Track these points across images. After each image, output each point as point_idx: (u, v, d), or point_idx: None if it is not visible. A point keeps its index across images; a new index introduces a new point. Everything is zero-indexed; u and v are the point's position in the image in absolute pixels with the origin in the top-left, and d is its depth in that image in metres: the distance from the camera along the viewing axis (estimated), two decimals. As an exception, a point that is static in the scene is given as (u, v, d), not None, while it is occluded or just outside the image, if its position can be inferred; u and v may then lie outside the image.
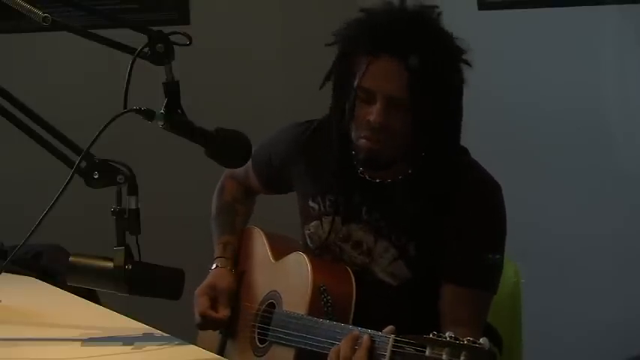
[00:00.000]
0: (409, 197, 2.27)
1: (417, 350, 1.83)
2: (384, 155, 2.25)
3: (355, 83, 2.22)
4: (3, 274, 2.27)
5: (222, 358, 2.25)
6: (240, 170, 2.64)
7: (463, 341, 1.78)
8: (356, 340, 2.00)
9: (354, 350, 1.99)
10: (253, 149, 2.20)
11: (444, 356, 1.77)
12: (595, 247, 3.43)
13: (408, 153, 2.27)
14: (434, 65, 2.18)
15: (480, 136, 3.66)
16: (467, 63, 2.24)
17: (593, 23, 3.43)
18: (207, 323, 2.48)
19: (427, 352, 1.80)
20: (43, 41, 3.90)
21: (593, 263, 3.44)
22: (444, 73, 2.20)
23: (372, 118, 2.20)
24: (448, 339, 1.79)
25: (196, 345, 2.25)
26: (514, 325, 2.53)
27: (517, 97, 3.67)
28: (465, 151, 2.34)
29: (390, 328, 1.96)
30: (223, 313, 2.47)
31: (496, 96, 3.73)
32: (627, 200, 3.36)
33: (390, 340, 1.91)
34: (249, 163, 2.58)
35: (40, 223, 2.05)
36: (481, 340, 1.77)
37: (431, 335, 1.81)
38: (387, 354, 1.91)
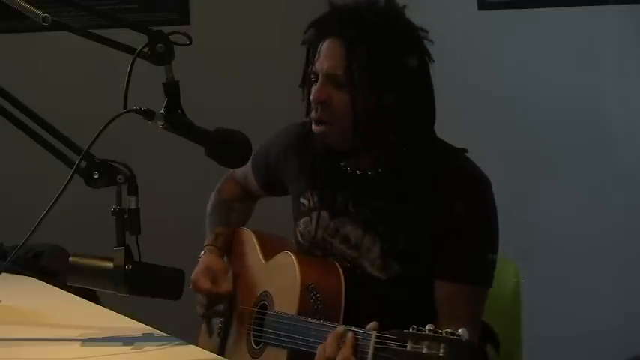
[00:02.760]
0: (394, 190, 2.26)
1: (398, 345, 1.84)
2: (332, 137, 2.26)
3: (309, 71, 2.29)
4: (3, 274, 2.28)
5: (222, 358, 2.25)
6: (239, 172, 2.67)
7: (442, 333, 1.79)
8: (341, 337, 2.00)
9: (339, 347, 1.99)
10: (253, 149, 2.21)
11: (424, 350, 1.79)
12: (595, 247, 3.42)
13: (376, 143, 2.26)
14: (373, 44, 2.20)
15: (480, 136, 3.68)
16: (423, 53, 2.26)
17: (593, 23, 3.43)
18: (212, 301, 2.47)
19: (408, 347, 1.82)
20: (43, 41, 3.90)
21: (593, 263, 3.44)
22: (385, 53, 2.21)
23: (312, 96, 2.25)
24: (427, 332, 1.81)
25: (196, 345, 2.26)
26: (514, 325, 2.52)
27: (517, 97, 3.67)
28: (451, 147, 2.32)
29: (373, 324, 1.96)
30: (226, 287, 2.47)
31: (496, 96, 3.73)
32: (627, 200, 3.36)
33: (373, 336, 1.92)
34: (249, 165, 2.59)
35: (40, 223, 2.05)
36: (460, 331, 1.78)
37: (411, 329, 1.83)
38: (370, 351, 1.91)
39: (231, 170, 2.69)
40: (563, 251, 3.51)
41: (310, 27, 2.31)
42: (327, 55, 2.24)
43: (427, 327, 1.82)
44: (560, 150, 3.55)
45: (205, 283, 2.46)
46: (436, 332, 1.80)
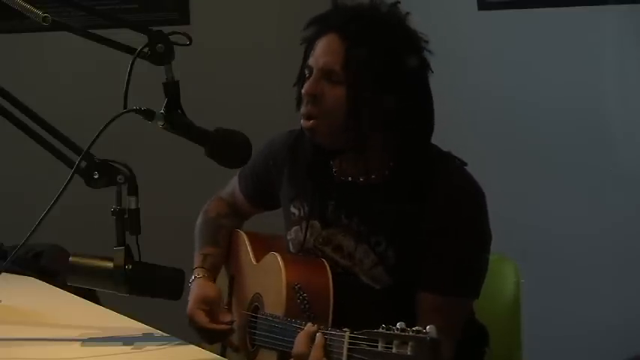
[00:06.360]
0: (386, 201, 2.23)
1: (369, 346, 1.84)
2: (321, 133, 2.22)
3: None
4: (3, 274, 2.28)
5: (222, 358, 2.25)
6: (226, 191, 2.64)
7: (409, 332, 1.79)
8: (312, 336, 1.99)
9: (309, 346, 1.98)
10: (253, 149, 2.20)
11: (393, 349, 1.79)
12: (595, 247, 3.42)
13: (367, 147, 2.23)
14: (374, 44, 2.18)
15: (480, 135, 3.69)
16: (423, 62, 2.23)
17: (593, 23, 3.43)
18: (214, 337, 2.42)
19: (379, 347, 1.81)
20: (43, 41, 3.90)
21: (593, 263, 3.44)
22: (385, 54, 2.18)
23: (303, 90, 2.22)
24: (396, 331, 1.80)
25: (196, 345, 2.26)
26: (514, 325, 2.53)
27: (517, 97, 3.67)
28: (446, 156, 2.29)
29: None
30: (227, 319, 2.41)
31: (496, 96, 3.73)
32: (627, 200, 3.36)
33: (346, 337, 1.90)
34: (235, 181, 2.58)
35: (40, 223, 2.05)
36: (427, 329, 1.77)
37: (381, 329, 1.82)
38: (344, 352, 1.90)
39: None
40: (563, 251, 3.51)
41: (310, 24, 2.29)
42: (324, 50, 2.21)
43: (397, 325, 1.81)
44: (560, 150, 3.55)
45: (202, 320, 2.38)
46: (404, 331, 1.79)
